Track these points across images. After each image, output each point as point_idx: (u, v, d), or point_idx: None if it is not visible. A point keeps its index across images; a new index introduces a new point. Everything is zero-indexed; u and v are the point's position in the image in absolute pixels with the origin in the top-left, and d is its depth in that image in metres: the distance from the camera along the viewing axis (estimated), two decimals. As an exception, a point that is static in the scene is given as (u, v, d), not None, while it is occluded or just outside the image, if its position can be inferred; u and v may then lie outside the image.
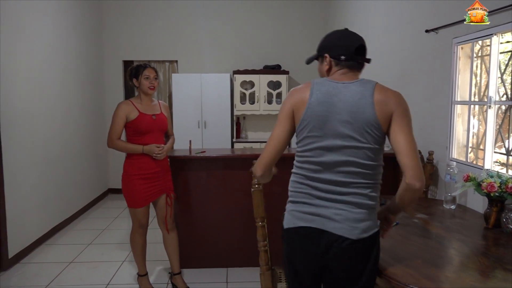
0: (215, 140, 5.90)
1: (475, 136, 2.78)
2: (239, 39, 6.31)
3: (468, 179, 2.20)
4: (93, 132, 5.72)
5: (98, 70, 6.03)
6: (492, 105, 2.49)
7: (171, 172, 3.12)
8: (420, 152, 2.87)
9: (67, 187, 4.83)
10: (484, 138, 2.58)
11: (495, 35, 2.41)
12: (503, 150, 2.49)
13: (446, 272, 1.65)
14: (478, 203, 2.46)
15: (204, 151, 3.48)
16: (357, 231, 1.50)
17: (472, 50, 2.69)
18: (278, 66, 6.10)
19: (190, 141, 3.59)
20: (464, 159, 2.77)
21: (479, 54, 2.71)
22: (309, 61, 1.75)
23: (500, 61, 2.47)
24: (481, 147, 2.66)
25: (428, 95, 3.14)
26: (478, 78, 2.73)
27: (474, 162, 2.70)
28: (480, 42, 2.64)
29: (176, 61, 6.37)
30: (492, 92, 2.48)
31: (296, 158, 1.65)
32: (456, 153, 2.84)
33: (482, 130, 2.69)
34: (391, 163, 3.53)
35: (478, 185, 2.13)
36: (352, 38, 1.63)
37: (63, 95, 4.80)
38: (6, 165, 3.53)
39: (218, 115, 5.94)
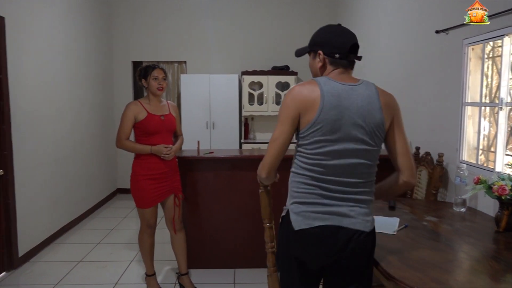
0: (223, 141, 5.91)
1: (485, 138, 2.74)
2: (247, 40, 6.32)
3: (478, 181, 2.17)
4: (102, 132, 5.76)
5: (107, 71, 6.08)
6: (504, 107, 2.46)
7: (179, 172, 3.13)
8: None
9: (76, 187, 4.87)
10: (495, 140, 2.55)
11: (507, 35, 2.38)
12: (514, 153, 2.46)
13: (456, 276, 1.63)
14: (489, 206, 2.43)
15: (212, 152, 3.48)
16: (369, 224, 1.59)
17: (483, 51, 2.66)
18: (287, 67, 6.10)
19: (198, 141, 3.61)
20: (474, 162, 2.73)
21: (490, 55, 2.67)
22: (299, 54, 1.75)
23: None
24: (492, 149, 2.63)
25: (438, 97, 3.11)
26: (489, 79, 2.69)
27: (485, 165, 2.67)
28: (491, 43, 2.61)
29: (185, 62, 6.40)
30: (503, 94, 2.45)
31: (301, 158, 1.60)
32: (466, 155, 2.81)
33: (493, 132, 2.65)
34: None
35: (489, 188, 2.10)
36: (346, 36, 1.63)
37: (73, 96, 4.84)
38: (16, 165, 3.57)
39: (226, 116, 5.95)
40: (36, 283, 3.32)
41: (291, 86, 5.93)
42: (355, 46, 1.63)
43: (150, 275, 3.14)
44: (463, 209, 2.47)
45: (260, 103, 6.05)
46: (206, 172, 3.45)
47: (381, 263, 1.69)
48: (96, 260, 3.77)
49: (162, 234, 3.79)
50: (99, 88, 5.70)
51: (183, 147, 3.90)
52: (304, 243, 1.59)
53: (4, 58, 3.43)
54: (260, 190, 1.92)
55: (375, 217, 2.28)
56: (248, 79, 6.00)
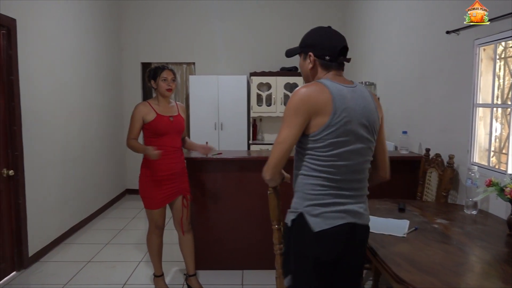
0: (231, 142, 5.91)
1: (497, 140, 2.71)
2: (256, 41, 6.32)
3: (490, 184, 2.14)
4: (112, 133, 5.80)
5: (116, 72, 6.12)
6: (516, 108, 2.42)
7: (187, 173, 3.13)
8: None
9: (86, 188, 4.91)
10: (507, 142, 2.51)
11: (520, 36, 2.35)
12: (527, 155, 2.42)
13: (468, 280, 1.61)
14: (501, 209, 2.39)
15: (221, 153, 3.48)
16: (369, 218, 1.74)
17: (495, 51, 2.62)
18: (295, 68, 6.08)
19: (206, 142, 3.59)
20: (486, 164, 2.69)
21: (502, 56, 2.64)
22: (290, 55, 1.79)
23: (524, 63, 2.41)
24: (504, 151, 2.59)
25: (449, 97, 3.07)
26: (501, 80, 2.66)
27: (497, 167, 2.63)
28: (503, 43, 2.57)
29: (194, 63, 6.41)
30: (516, 95, 2.41)
31: (313, 161, 1.61)
32: (477, 157, 2.77)
33: (505, 134, 2.62)
34: (408, 167, 3.50)
35: (501, 190, 2.07)
36: (336, 39, 1.68)
37: (83, 97, 4.88)
38: (27, 166, 3.60)
39: (234, 117, 5.95)
40: (45, 282, 3.35)
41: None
42: (345, 49, 1.69)
43: (159, 276, 3.14)
44: (474, 212, 2.44)
45: (269, 104, 6.04)
46: (214, 173, 3.45)
47: (391, 266, 1.68)
48: (105, 260, 3.79)
49: (170, 234, 3.80)
50: (108, 89, 5.74)
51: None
52: (325, 243, 1.62)
53: (16, 59, 3.46)
54: (268, 192, 1.92)
55: (384, 219, 2.29)
56: (256, 80, 6.00)
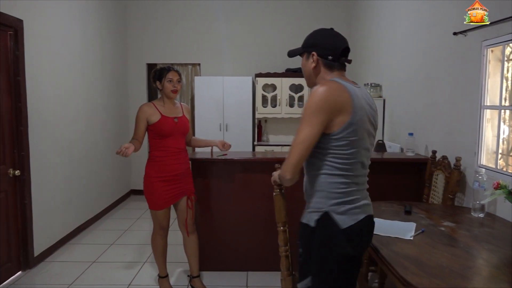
0: (236, 143, 5.86)
1: (505, 142, 2.68)
2: (261, 42, 6.32)
3: (498, 186, 2.12)
4: (117, 134, 5.81)
5: (122, 73, 6.14)
6: (524, 110, 2.40)
7: (192, 174, 3.13)
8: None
9: (91, 188, 4.92)
10: (515, 144, 2.48)
11: (528, 37, 2.33)
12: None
13: (475, 283, 1.59)
14: (509, 212, 2.37)
15: (226, 154, 3.48)
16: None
17: (503, 53, 2.60)
18: (301, 69, 6.04)
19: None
20: (493, 166, 2.67)
21: (511, 57, 2.61)
22: (292, 55, 1.83)
23: (533, 64, 2.38)
24: (512, 153, 2.56)
25: (456, 99, 3.05)
26: (509, 82, 2.63)
27: (504, 169, 2.60)
28: (511, 44, 2.55)
29: (199, 64, 6.42)
30: (524, 97, 2.39)
31: (335, 159, 1.61)
32: (485, 159, 2.75)
33: (513, 136, 2.59)
34: (414, 169, 3.48)
35: (509, 193, 2.04)
36: (339, 39, 1.71)
37: (88, 98, 4.90)
38: (33, 166, 3.62)
39: (239, 118, 5.95)
40: (51, 282, 3.36)
41: (305, 89, 5.92)
42: (347, 50, 1.72)
43: (163, 277, 3.14)
44: (481, 215, 2.41)
45: (274, 105, 6.03)
46: (219, 174, 3.45)
47: (397, 269, 1.66)
48: (109, 261, 3.79)
49: (175, 235, 3.80)
50: (113, 90, 5.76)
51: (196, 149, 3.92)
52: (352, 238, 1.64)
53: (22, 60, 3.48)
54: (274, 193, 1.91)
55: (391, 221, 2.27)
56: (261, 81, 5.99)
